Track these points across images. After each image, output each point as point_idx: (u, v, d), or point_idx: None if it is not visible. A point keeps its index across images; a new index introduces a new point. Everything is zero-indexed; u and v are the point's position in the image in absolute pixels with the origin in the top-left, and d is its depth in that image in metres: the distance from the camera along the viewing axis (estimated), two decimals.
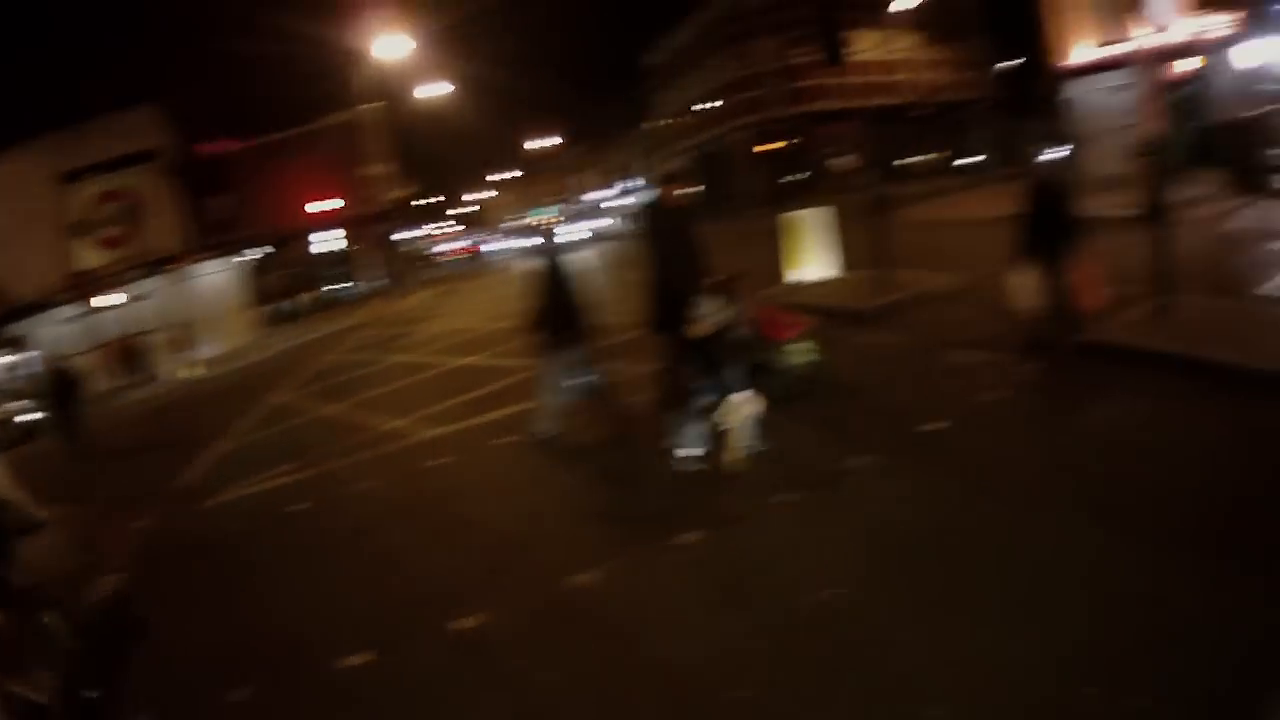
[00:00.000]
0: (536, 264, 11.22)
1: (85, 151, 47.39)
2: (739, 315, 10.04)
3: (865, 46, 75.07)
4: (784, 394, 10.65)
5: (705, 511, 8.20)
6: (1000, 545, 6.53)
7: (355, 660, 6.96)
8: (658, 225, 10.24)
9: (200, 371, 38.69)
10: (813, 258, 19.83)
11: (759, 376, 10.03)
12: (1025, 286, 10.52)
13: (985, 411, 9.49)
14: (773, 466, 8.99)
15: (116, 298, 44.64)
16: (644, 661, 6.16)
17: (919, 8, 63.23)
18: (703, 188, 67.25)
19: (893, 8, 61.85)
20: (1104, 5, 35.71)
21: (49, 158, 46.96)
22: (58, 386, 19.69)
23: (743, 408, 9.14)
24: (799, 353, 11.40)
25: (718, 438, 9.37)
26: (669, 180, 10.39)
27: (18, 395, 35.18)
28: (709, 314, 9.45)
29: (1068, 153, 38.62)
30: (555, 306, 11.05)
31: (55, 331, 44.44)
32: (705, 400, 9.41)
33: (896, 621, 5.94)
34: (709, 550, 7.40)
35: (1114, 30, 33.72)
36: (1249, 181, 24.53)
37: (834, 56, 17.94)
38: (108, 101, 49.24)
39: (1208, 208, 22.12)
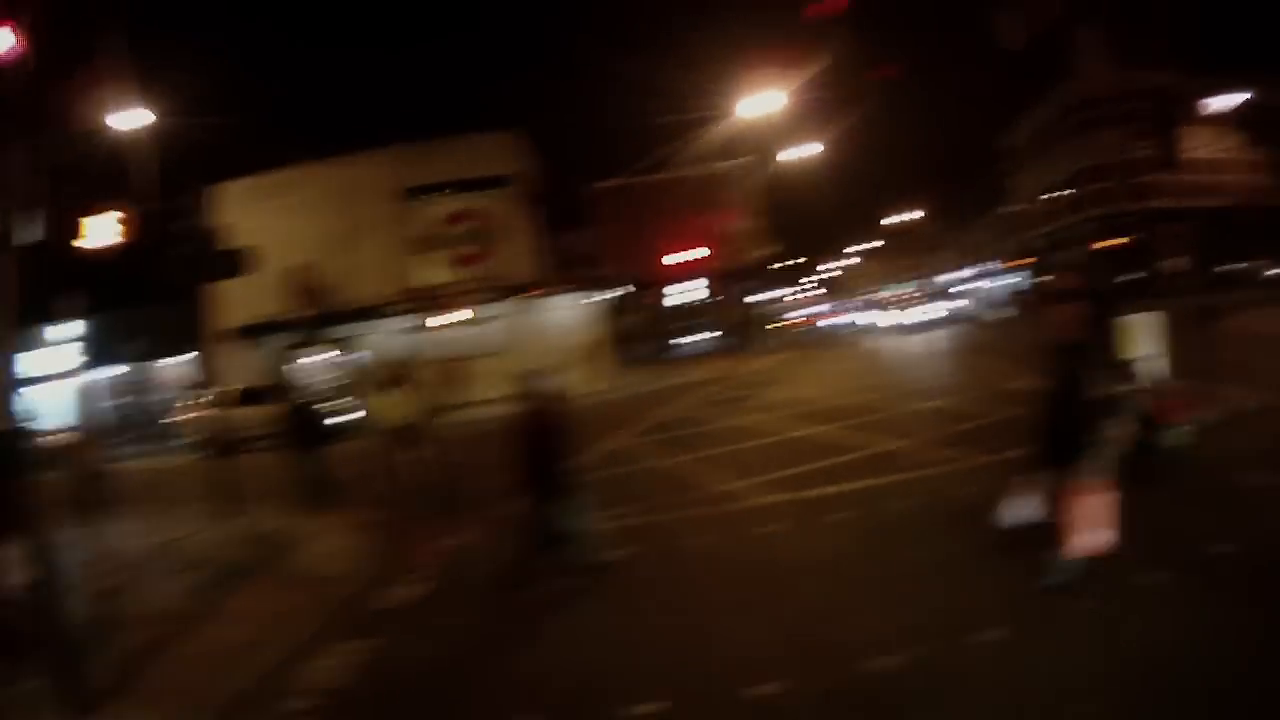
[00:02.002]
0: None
1: (434, 169, 50.57)
2: (1134, 393, 11.58)
3: (1198, 143, 72.27)
4: (1149, 473, 11.50)
5: (1016, 606, 8.56)
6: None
7: (646, 709, 7.57)
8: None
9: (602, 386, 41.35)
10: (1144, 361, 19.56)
11: (1138, 453, 11.30)
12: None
13: (1268, 541, 9.48)
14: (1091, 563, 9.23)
15: (458, 316, 47.44)
16: None
17: (1245, 106, 61.43)
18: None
19: (1215, 107, 60.02)
20: None
21: (395, 170, 50.51)
22: (298, 422, 19.95)
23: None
24: (1177, 435, 12.29)
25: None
26: (1065, 268, 11.47)
27: (333, 395, 38.05)
28: (1104, 381, 10.22)
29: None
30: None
31: (385, 340, 47.98)
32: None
33: None
34: (1010, 651, 7.68)
35: None
36: None
37: (1169, 156, 17.44)
38: (461, 122, 51.75)
39: None
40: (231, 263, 18.68)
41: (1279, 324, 32.07)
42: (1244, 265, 66.90)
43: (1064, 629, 7.93)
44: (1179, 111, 17.69)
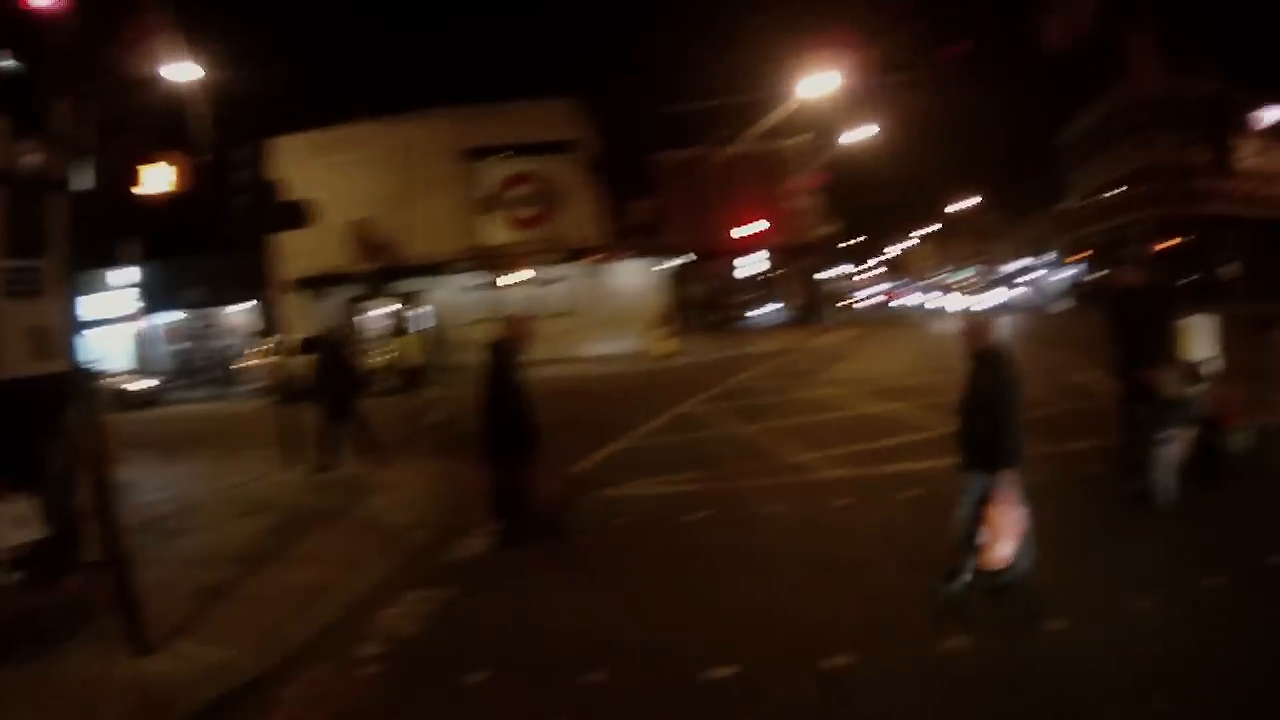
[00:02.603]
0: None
1: (493, 132, 50.76)
2: (1201, 396, 11.43)
3: (1250, 153, 71.38)
4: (1215, 476, 11.61)
5: (1076, 597, 8.50)
6: None
7: (718, 672, 7.51)
8: (1116, 303, 11.73)
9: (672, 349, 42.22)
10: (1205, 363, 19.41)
11: (1202, 455, 11.53)
12: None
13: None
14: (1145, 563, 9.44)
15: (521, 276, 47.56)
16: None
17: None
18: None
19: (1269, 118, 59.61)
20: None
21: (455, 130, 50.87)
22: (324, 355, 19.15)
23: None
24: (1239, 439, 12.03)
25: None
26: (1122, 263, 12.21)
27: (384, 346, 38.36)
28: (1171, 380, 10.81)
29: None
30: None
31: (449, 297, 49.13)
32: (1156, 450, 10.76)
33: None
34: (1067, 641, 7.65)
35: None
36: None
37: (1222, 163, 17.18)
38: (522, 87, 51.76)
39: None
40: (291, 215, 18.66)
41: None
42: None
43: (1120, 625, 7.86)
44: (1231, 120, 17.39)
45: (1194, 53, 66.83)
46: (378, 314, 50.75)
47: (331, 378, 18.77)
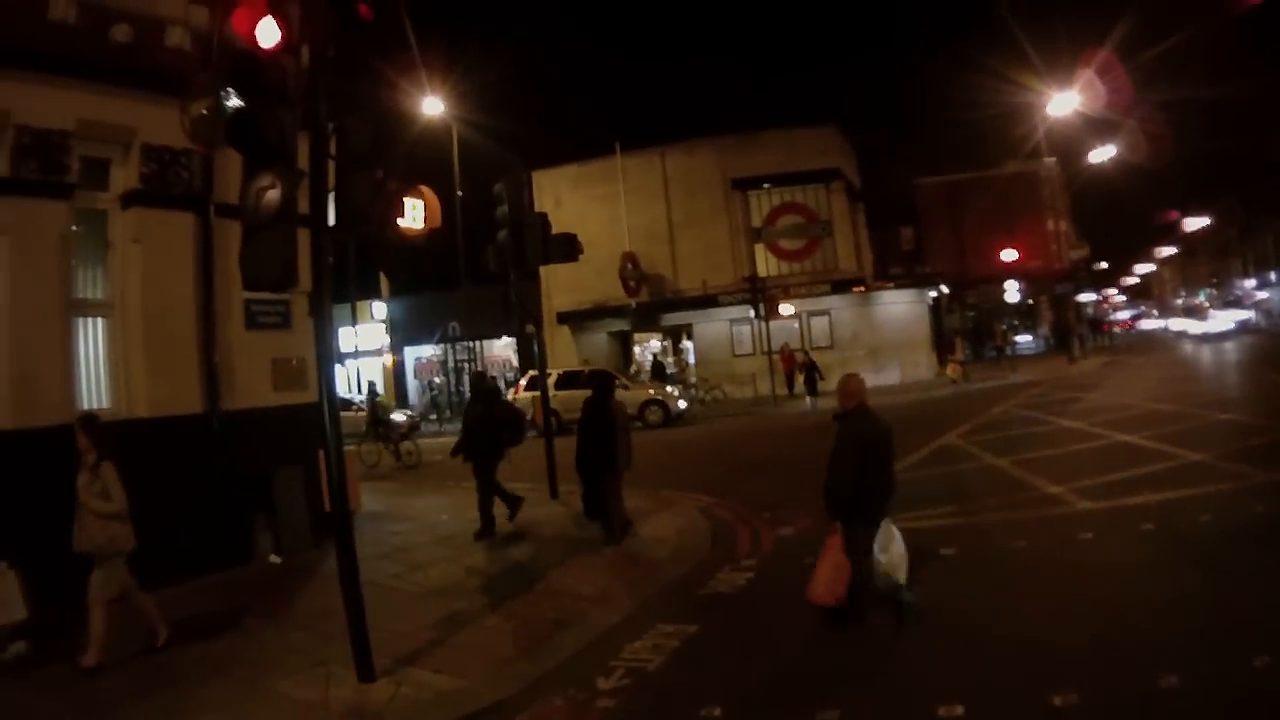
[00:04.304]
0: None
1: (755, 161, 50.17)
2: None
3: None
4: None
5: None
6: None
7: (948, 710, 7.18)
8: None
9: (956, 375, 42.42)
10: None
11: None
12: None
13: None
14: None
15: (790, 308, 46.79)
16: None
17: None
18: None
19: None
20: None
21: (717, 161, 50.45)
22: (478, 394, 18.29)
23: None
24: None
25: None
26: None
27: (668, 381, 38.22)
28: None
29: None
30: None
31: (716, 330, 49.18)
32: None
33: None
34: None
35: None
36: None
37: None
38: (783, 115, 51.07)
39: None
40: (565, 247, 18.80)
41: None
42: None
43: None
44: None
45: None
46: (644, 348, 51.13)
47: (479, 427, 17.08)
